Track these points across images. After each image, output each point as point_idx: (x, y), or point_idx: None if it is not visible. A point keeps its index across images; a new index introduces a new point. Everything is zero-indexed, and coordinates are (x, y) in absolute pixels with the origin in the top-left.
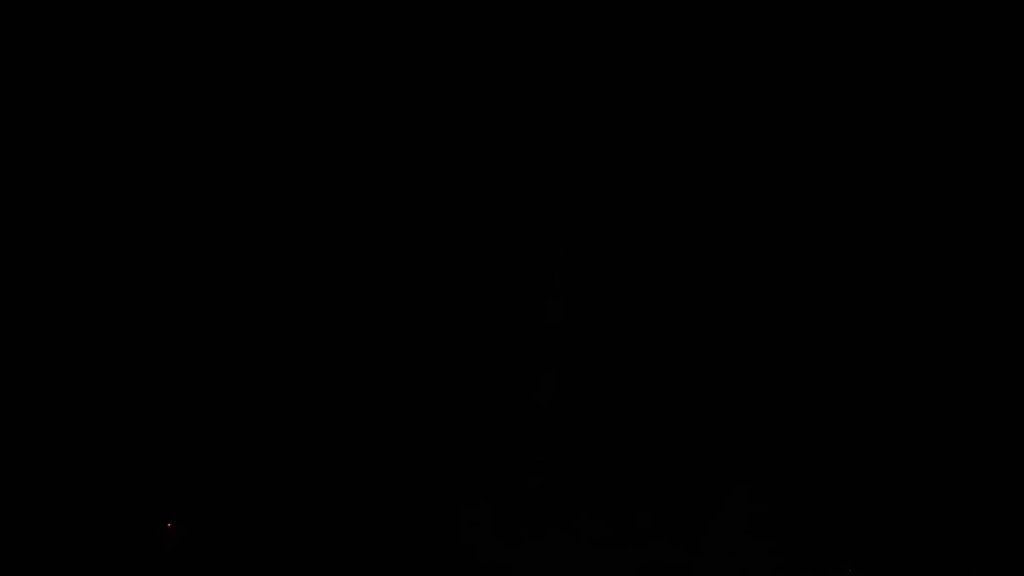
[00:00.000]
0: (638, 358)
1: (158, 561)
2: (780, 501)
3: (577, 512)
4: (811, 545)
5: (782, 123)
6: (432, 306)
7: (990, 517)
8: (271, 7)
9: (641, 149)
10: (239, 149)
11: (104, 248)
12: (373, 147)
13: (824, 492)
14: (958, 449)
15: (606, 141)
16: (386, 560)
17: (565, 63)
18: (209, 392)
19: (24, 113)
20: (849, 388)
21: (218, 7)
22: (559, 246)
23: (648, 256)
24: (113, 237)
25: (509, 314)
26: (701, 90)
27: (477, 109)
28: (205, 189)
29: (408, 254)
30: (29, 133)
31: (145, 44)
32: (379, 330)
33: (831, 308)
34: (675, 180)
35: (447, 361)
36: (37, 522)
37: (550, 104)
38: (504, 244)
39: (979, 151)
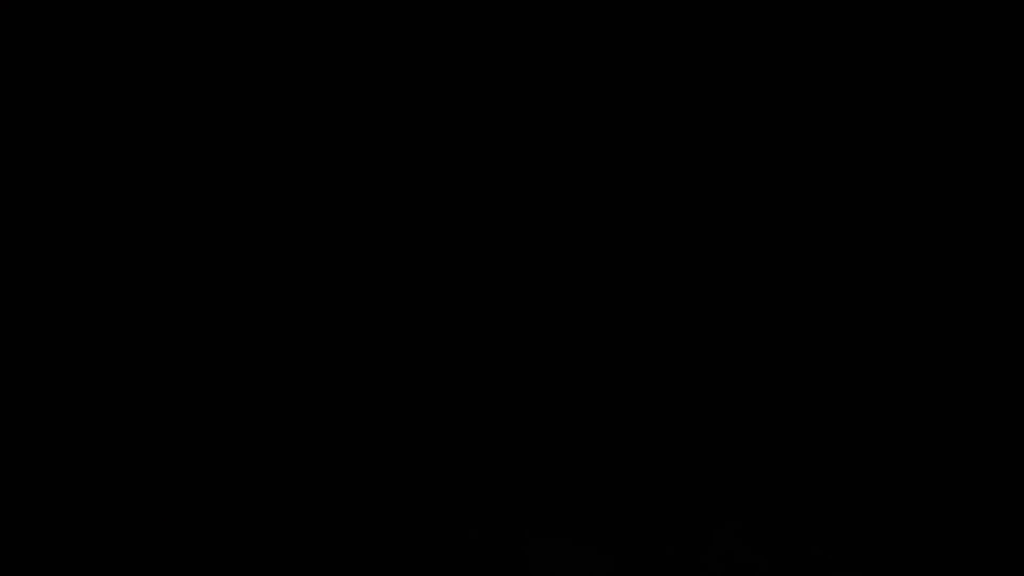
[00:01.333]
0: (639, 358)
1: (158, 561)
2: (782, 501)
3: (577, 512)
4: (814, 546)
5: (783, 127)
6: (432, 306)
7: (993, 517)
8: (271, 7)
9: (642, 151)
10: (237, 148)
11: (102, 246)
12: (372, 149)
13: (828, 494)
14: (963, 451)
15: (607, 142)
16: (386, 559)
17: (566, 65)
18: (209, 392)
19: (23, 113)
20: (851, 391)
21: (218, 7)
22: (560, 248)
23: (649, 260)
24: (108, 234)
25: (509, 314)
26: (701, 94)
27: (477, 111)
28: (203, 188)
29: (409, 255)
30: (28, 133)
31: (144, 42)
32: (380, 331)
33: (832, 310)
34: (676, 182)
35: (447, 360)
36: (37, 522)
37: (551, 107)
38: (505, 245)
39: (979, 151)
